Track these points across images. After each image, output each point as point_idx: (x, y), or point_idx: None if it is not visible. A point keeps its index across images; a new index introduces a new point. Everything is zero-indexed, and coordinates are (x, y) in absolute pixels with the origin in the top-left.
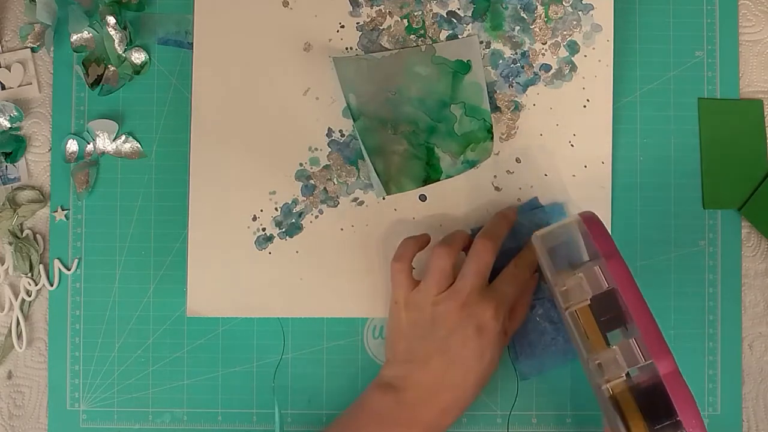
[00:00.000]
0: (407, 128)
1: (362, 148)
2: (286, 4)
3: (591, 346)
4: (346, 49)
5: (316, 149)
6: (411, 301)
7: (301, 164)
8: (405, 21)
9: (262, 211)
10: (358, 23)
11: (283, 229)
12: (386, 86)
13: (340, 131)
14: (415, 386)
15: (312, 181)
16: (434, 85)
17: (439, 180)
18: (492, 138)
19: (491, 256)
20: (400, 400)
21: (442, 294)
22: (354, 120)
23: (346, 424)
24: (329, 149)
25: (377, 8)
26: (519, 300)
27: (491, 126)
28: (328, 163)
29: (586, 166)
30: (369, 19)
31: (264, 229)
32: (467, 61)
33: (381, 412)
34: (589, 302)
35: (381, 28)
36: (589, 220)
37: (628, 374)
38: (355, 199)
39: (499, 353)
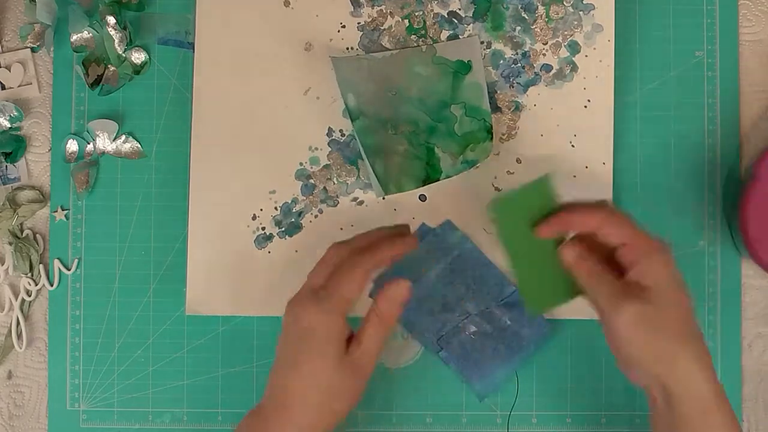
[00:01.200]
0: (407, 128)
1: (360, 148)
2: (287, 3)
3: None
4: (347, 48)
5: (316, 149)
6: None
7: (301, 164)
8: (406, 21)
9: (261, 210)
10: (359, 23)
11: (283, 229)
12: (386, 86)
13: (341, 131)
14: (268, 396)
15: (312, 181)
16: (434, 85)
17: (438, 180)
18: (492, 138)
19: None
20: (258, 413)
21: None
22: (353, 120)
23: None
24: (329, 149)
25: (378, 8)
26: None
27: (491, 126)
28: (328, 162)
29: (586, 167)
30: (370, 19)
31: (263, 229)
32: (468, 61)
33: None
34: None
35: (382, 28)
36: None
37: None
38: (355, 199)
39: (336, 368)
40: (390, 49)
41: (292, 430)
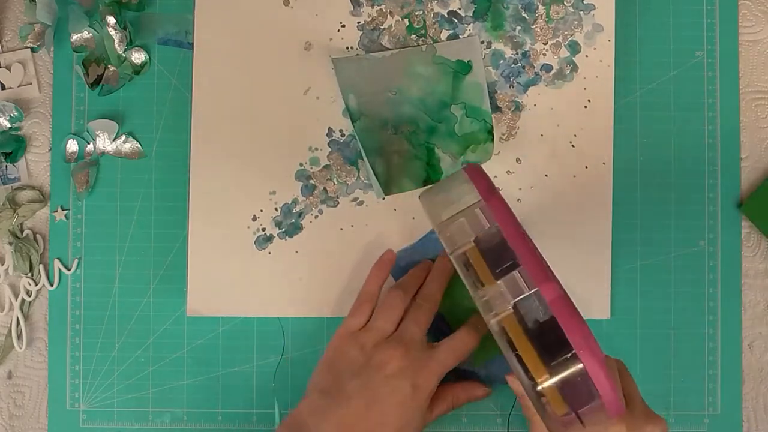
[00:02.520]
0: (408, 128)
1: (361, 148)
2: (287, 3)
3: (482, 286)
4: (347, 48)
5: (316, 149)
6: (359, 336)
7: (301, 164)
8: (406, 21)
9: (262, 211)
10: (359, 23)
11: (283, 229)
12: (386, 86)
13: (341, 131)
14: (330, 423)
15: (312, 181)
16: (435, 86)
17: (439, 180)
18: (493, 139)
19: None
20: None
21: (388, 339)
22: (353, 121)
23: None
24: (329, 149)
25: (378, 8)
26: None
27: (492, 127)
28: (328, 163)
29: (586, 167)
30: (370, 18)
31: (264, 229)
32: (468, 61)
33: None
34: (473, 243)
35: (382, 27)
36: (470, 168)
37: (516, 308)
38: (355, 199)
39: (419, 419)
40: (390, 49)
41: None
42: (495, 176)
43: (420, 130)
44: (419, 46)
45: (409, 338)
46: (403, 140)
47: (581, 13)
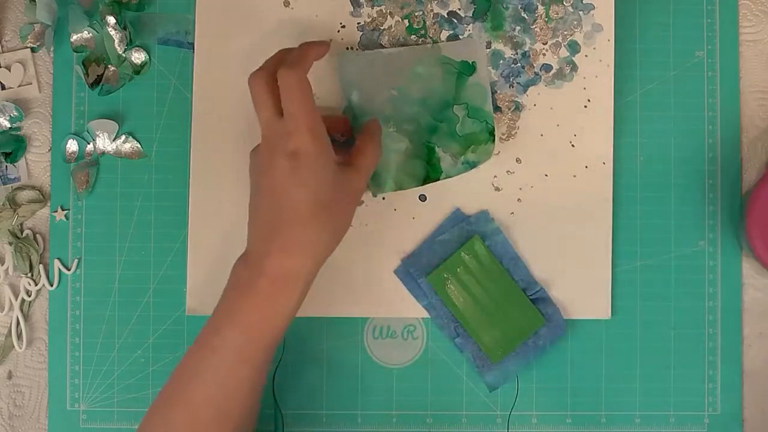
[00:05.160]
0: (409, 127)
1: None
2: (287, 3)
3: None
4: (347, 49)
5: None
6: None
7: None
8: (406, 21)
9: None
10: (359, 23)
11: None
12: (389, 84)
13: (340, 132)
14: (254, 239)
15: None
16: (438, 85)
17: (438, 179)
18: (494, 140)
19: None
20: (246, 261)
21: None
22: (355, 117)
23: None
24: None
25: (378, 8)
26: (360, 149)
27: (493, 128)
28: None
29: (586, 167)
30: (370, 19)
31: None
32: (472, 62)
33: (233, 279)
34: None
35: (382, 28)
36: None
37: None
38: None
39: (333, 179)
40: (394, 46)
41: (293, 260)
42: (495, 176)
43: (421, 129)
44: (424, 45)
45: (266, 131)
46: (404, 138)
47: (581, 13)
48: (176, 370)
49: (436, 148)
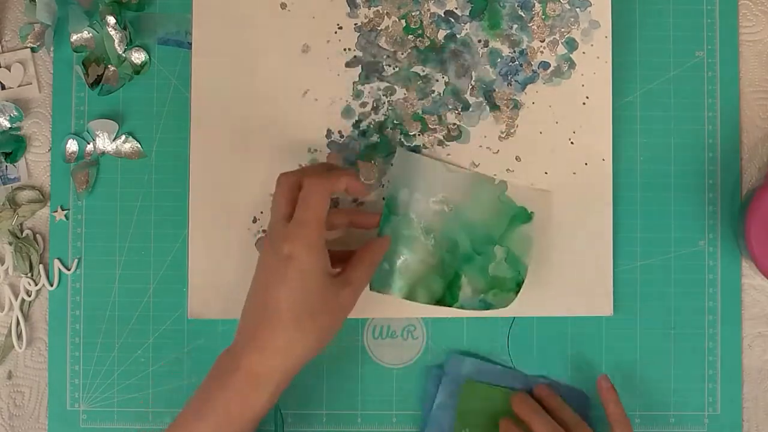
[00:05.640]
0: (446, 246)
1: (391, 239)
2: (283, 6)
3: None
4: (345, 50)
5: (316, 150)
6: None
7: (300, 165)
8: (403, 21)
9: (262, 212)
10: (356, 24)
11: None
12: (445, 198)
13: (339, 132)
14: (239, 332)
15: None
16: (491, 219)
17: (450, 306)
18: (517, 293)
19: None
20: (229, 351)
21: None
22: (391, 215)
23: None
24: (328, 150)
25: (375, 9)
26: (355, 266)
27: (523, 281)
28: None
29: (586, 164)
30: (367, 20)
31: (264, 231)
32: (531, 212)
33: (215, 366)
34: None
35: (379, 28)
36: None
37: None
38: (355, 200)
39: (323, 290)
40: (464, 168)
41: (268, 360)
42: (495, 174)
43: (458, 253)
44: (493, 178)
45: (271, 229)
46: (438, 255)
47: (577, 9)
48: None
49: (463, 277)
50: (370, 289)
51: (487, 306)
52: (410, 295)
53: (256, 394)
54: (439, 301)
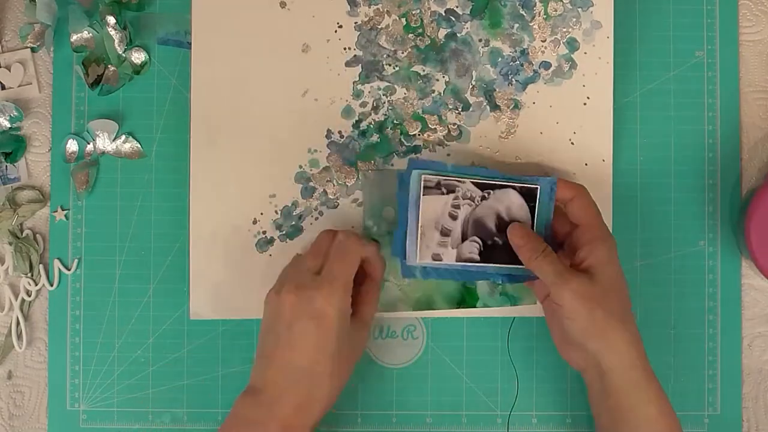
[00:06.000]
0: None
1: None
2: (283, 5)
3: None
4: (345, 49)
5: (316, 150)
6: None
7: (300, 166)
8: (403, 20)
9: (262, 214)
10: (356, 23)
11: (284, 232)
12: None
13: (339, 132)
14: (268, 383)
15: (312, 183)
16: None
17: (475, 307)
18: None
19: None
20: (257, 400)
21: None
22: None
23: None
24: (328, 150)
25: (375, 7)
26: (367, 280)
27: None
28: (328, 164)
29: (586, 164)
30: (367, 18)
31: (264, 232)
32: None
33: (241, 414)
34: None
35: (379, 27)
36: None
37: None
38: (355, 200)
39: (347, 338)
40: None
41: (306, 415)
42: None
43: None
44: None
45: (299, 279)
46: None
47: (579, 9)
48: None
49: None
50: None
51: (512, 300)
52: (431, 306)
53: None
54: (461, 304)
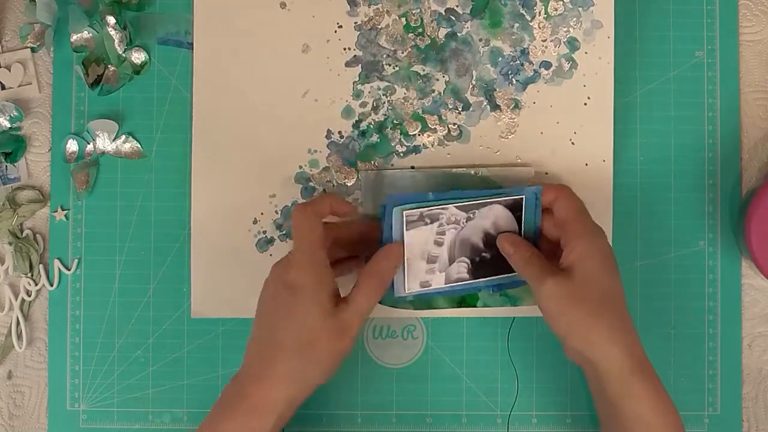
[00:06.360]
0: None
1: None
2: (283, 5)
3: None
4: (345, 49)
5: (315, 151)
6: None
7: (300, 166)
8: (403, 20)
9: (262, 214)
10: (356, 23)
11: (284, 232)
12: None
13: (339, 132)
14: (245, 360)
15: (312, 183)
16: None
17: (475, 307)
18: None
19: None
20: (235, 378)
21: None
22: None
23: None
24: (328, 151)
25: (375, 7)
26: (358, 285)
27: None
28: (327, 165)
29: (587, 164)
30: (367, 18)
31: (265, 232)
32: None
33: (223, 394)
34: None
35: (379, 27)
36: None
37: None
38: (355, 201)
39: (324, 319)
40: (440, 167)
41: (272, 390)
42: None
43: None
44: (468, 170)
45: (310, 248)
46: None
47: (580, 9)
48: None
49: None
50: (382, 304)
51: (512, 300)
52: (430, 306)
53: (258, 423)
54: (461, 303)
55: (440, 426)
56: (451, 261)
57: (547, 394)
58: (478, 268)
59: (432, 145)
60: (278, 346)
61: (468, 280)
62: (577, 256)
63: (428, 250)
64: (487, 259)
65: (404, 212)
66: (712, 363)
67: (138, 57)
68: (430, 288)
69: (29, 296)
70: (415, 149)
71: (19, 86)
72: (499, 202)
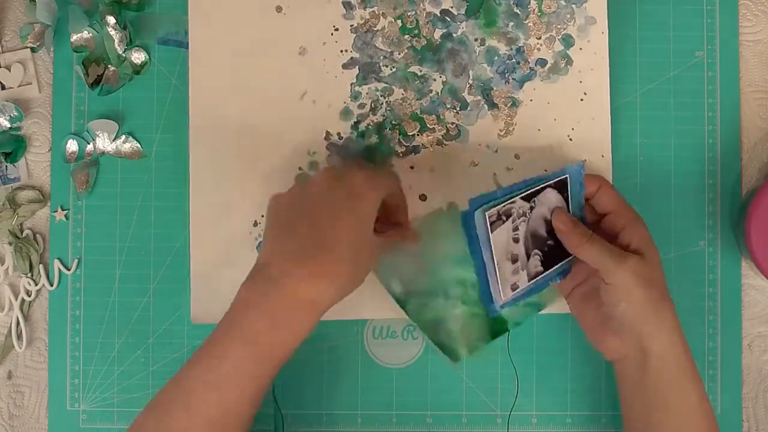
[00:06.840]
0: (457, 290)
1: (416, 326)
2: (279, 9)
3: None
4: (341, 51)
5: (315, 153)
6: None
7: (300, 168)
8: (399, 21)
9: (262, 216)
10: (351, 25)
11: None
12: (423, 256)
13: (338, 134)
14: (275, 255)
15: None
16: (455, 237)
17: (508, 330)
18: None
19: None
20: (260, 276)
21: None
22: (403, 307)
23: None
24: (328, 152)
25: (370, 10)
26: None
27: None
28: (327, 166)
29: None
30: (363, 21)
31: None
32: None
33: (240, 298)
34: None
35: (375, 29)
36: None
37: None
38: None
39: (370, 231)
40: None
41: (317, 289)
42: (495, 173)
43: (470, 286)
44: (440, 208)
45: (344, 165)
46: (458, 303)
47: (573, 6)
48: (177, 377)
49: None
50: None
51: (536, 306)
52: (473, 351)
53: (302, 322)
54: (496, 333)
55: (440, 426)
56: (528, 256)
57: (547, 394)
58: (549, 258)
59: (431, 145)
60: (336, 244)
61: (543, 272)
62: (643, 241)
63: (510, 249)
64: (552, 247)
65: (486, 213)
66: (712, 363)
67: (138, 57)
68: (519, 290)
69: (29, 296)
70: (415, 149)
71: (19, 86)
72: (550, 185)
